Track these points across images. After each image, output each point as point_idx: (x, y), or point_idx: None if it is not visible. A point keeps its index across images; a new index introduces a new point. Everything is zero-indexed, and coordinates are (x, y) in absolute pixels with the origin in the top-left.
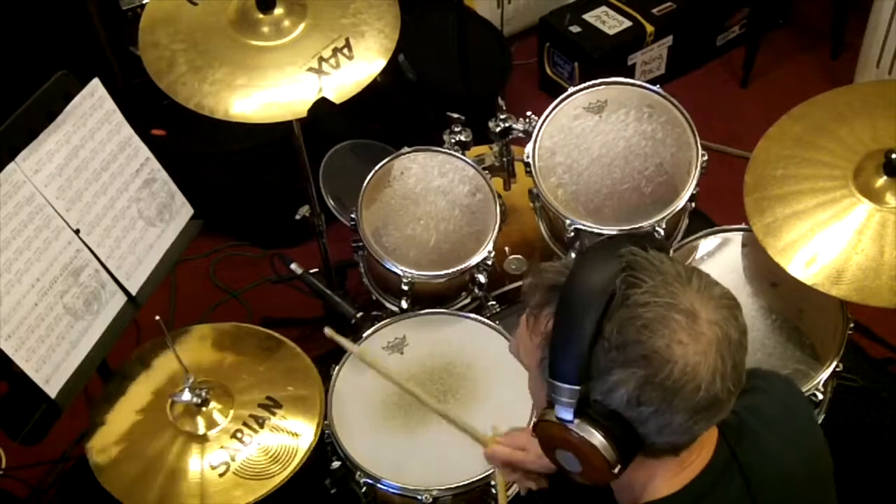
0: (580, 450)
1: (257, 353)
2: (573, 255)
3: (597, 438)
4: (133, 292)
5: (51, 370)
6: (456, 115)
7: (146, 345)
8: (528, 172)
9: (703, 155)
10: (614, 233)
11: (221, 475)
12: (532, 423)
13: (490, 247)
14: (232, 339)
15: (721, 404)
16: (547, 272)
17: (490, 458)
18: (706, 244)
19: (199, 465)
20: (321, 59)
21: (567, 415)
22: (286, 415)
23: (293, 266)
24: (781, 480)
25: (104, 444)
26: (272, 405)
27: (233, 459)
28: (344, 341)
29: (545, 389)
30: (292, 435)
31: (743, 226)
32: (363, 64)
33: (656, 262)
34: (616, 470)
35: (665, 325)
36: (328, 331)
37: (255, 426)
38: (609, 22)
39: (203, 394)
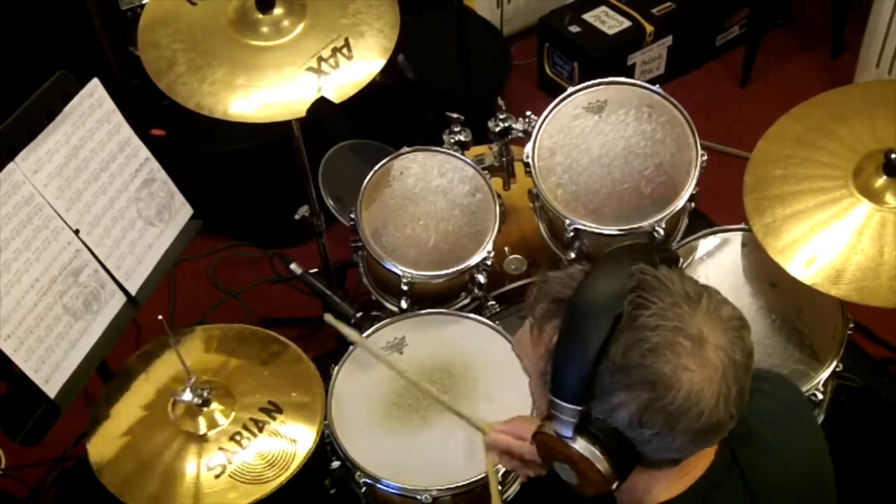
0: (578, 465)
1: (261, 356)
2: (578, 266)
3: (595, 456)
4: (132, 292)
5: (50, 370)
6: (455, 115)
7: (149, 344)
8: (528, 172)
9: (702, 155)
10: (614, 232)
11: (217, 476)
12: (532, 433)
13: (489, 247)
14: (236, 340)
15: (723, 427)
16: (553, 283)
17: (490, 445)
18: (706, 244)
19: (195, 465)
20: (320, 59)
21: (567, 431)
22: (286, 420)
23: (293, 266)
24: (782, 483)
25: (104, 440)
26: (273, 409)
27: (230, 462)
28: (345, 329)
29: (546, 401)
30: (291, 441)
31: (743, 226)
32: (362, 64)
33: (666, 282)
34: (614, 485)
35: (671, 350)
36: (328, 317)
37: (255, 430)
38: (609, 22)
39: (204, 394)
